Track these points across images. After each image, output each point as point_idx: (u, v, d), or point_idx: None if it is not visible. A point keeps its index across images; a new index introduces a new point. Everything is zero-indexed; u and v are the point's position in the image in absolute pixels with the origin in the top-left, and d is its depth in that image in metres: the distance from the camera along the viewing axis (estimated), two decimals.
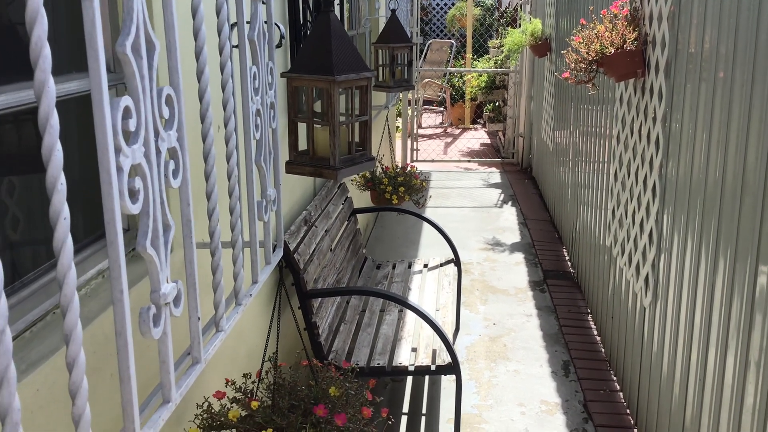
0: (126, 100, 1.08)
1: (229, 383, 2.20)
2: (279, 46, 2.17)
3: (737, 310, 2.26)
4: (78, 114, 1.75)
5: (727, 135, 2.37)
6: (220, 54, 1.60)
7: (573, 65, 3.57)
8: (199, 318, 1.39)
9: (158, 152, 1.20)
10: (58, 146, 0.90)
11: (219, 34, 1.59)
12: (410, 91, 7.97)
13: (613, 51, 3.37)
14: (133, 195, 1.11)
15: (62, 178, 0.91)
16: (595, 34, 3.48)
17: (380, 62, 4.50)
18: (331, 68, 2.14)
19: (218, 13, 1.58)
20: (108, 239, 1.07)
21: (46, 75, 0.88)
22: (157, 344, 1.26)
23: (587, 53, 3.47)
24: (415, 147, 9.35)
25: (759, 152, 2.11)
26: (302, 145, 2.31)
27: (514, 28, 8.81)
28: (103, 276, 1.79)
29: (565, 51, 3.79)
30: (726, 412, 2.33)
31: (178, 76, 1.31)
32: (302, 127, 2.28)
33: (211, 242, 1.52)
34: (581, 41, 3.53)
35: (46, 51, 0.88)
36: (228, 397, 2.15)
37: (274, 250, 2.02)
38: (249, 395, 2.16)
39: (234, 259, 1.67)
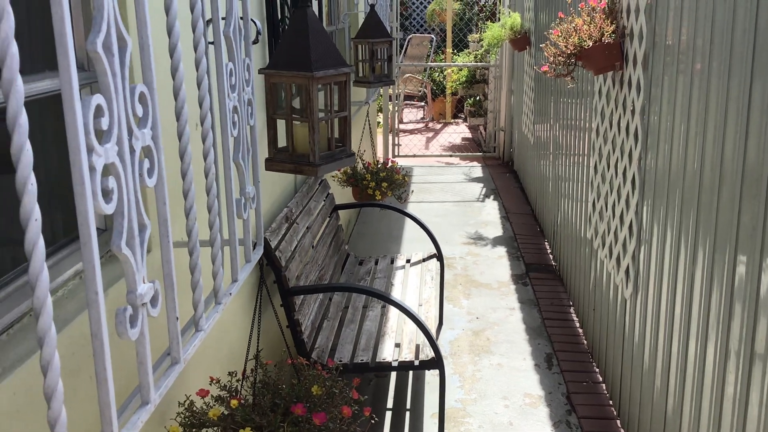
0: (98, 99, 1.07)
1: (214, 381, 2.19)
2: (255, 42, 2.15)
3: (717, 300, 2.27)
4: (56, 112, 1.72)
5: (704, 127, 2.38)
6: (195, 51, 1.58)
7: (552, 59, 3.58)
8: (177, 318, 1.38)
9: (132, 151, 1.19)
10: (28, 146, 0.89)
11: (194, 31, 1.57)
12: (391, 87, 7.95)
13: (591, 44, 3.38)
14: (106, 195, 1.09)
15: (32, 179, 0.90)
16: (573, 27, 3.49)
17: (360, 57, 4.49)
18: (309, 64, 2.13)
19: (192, 8, 1.56)
20: (81, 240, 1.05)
21: (14, 74, 0.87)
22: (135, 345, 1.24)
23: (566, 47, 3.47)
24: (396, 142, 9.35)
25: (736, 143, 2.12)
26: (281, 141, 2.30)
27: (493, 22, 8.82)
28: (80, 277, 1.77)
29: (543, 45, 3.79)
30: (707, 401, 2.35)
31: (151, 74, 1.29)
32: (281, 124, 2.27)
33: (189, 241, 1.51)
34: (559, 35, 3.54)
35: (14, 49, 0.86)
36: (212, 395, 2.13)
37: (254, 248, 2.01)
38: (233, 393, 2.15)
39: (213, 258, 1.66)
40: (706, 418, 2.34)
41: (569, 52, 3.46)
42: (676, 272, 2.67)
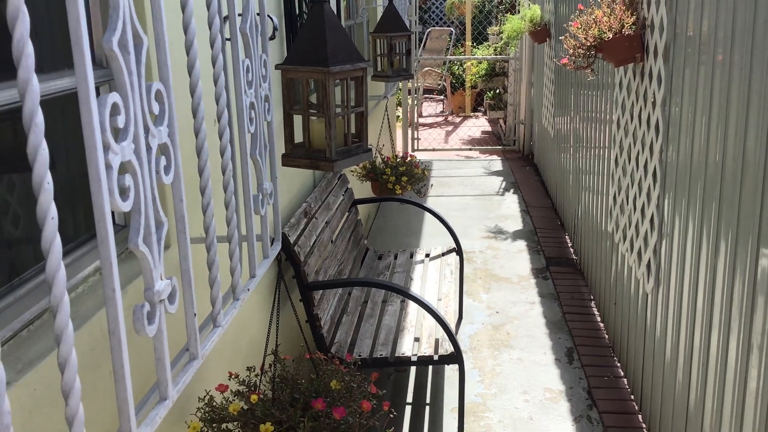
0: (114, 97, 1.07)
1: (233, 376, 2.20)
2: (272, 38, 2.15)
3: (739, 293, 2.24)
4: (75, 110, 1.74)
5: (726, 118, 2.35)
6: (212, 47, 1.58)
7: (572, 51, 3.55)
8: (195, 314, 1.38)
9: (149, 148, 1.19)
10: (44, 145, 0.89)
11: (210, 27, 1.58)
12: (410, 80, 7.94)
13: (611, 36, 3.35)
14: (123, 192, 1.10)
15: (48, 177, 0.90)
16: (593, 19, 3.46)
17: (378, 52, 4.48)
18: (326, 59, 2.12)
19: (208, 5, 1.56)
20: (99, 238, 1.06)
21: (30, 73, 0.87)
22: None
23: (585, 39, 3.44)
24: (415, 136, 9.33)
25: (759, 135, 2.09)
26: (298, 137, 2.30)
27: (513, 14, 8.77)
28: (100, 273, 1.78)
29: (563, 37, 3.76)
30: (729, 396, 2.32)
31: (167, 71, 1.30)
32: (298, 120, 2.27)
33: (207, 237, 1.51)
34: (579, 26, 3.50)
35: (29, 49, 0.87)
36: (231, 390, 2.15)
37: (272, 244, 2.01)
38: (252, 388, 2.16)
39: (230, 254, 1.66)
40: (729, 414, 2.32)
41: (589, 44, 3.43)
42: (698, 266, 2.64)
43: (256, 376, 2.25)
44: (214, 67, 1.60)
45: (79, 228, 1.81)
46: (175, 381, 1.32)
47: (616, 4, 3.44)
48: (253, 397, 2.02)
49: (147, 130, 1.19)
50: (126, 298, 1.74)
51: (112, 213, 1.24)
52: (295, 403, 2.07)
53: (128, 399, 1.11)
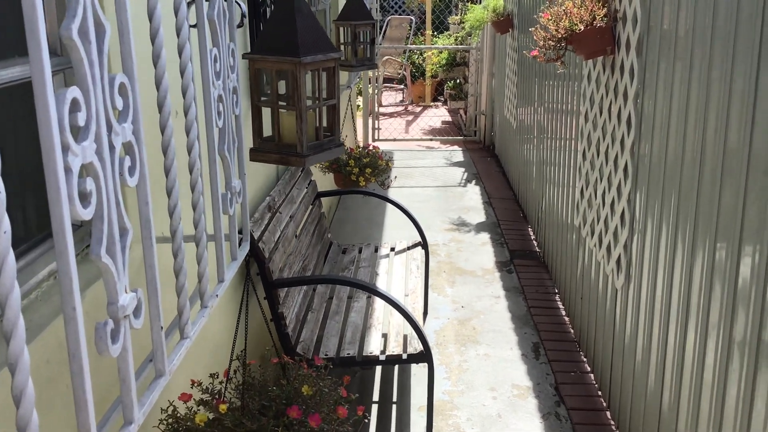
0: (73, 92, 0.95)
1: (195, 384, 2.08)
2: (240, 25, 2.03)
3: (719, 293, 2.20)
4: (25, 98, 1.60)
5: (705, 115, 2.30)
6: (178, 36, 1.47)
7: (542, 43, 3.48)
8: (162, 327, 1.27)
9: (112, 148, 1.08)
10: None
11: (176, 14, 1.45)
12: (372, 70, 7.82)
13: (582, 28, 3.29)
14: (84, 198, 0.98)
15: (1, 186, 0.79)
16: (564, 10, 3.40)
17: (342, 40, 4.36)
18: (297, 49, 2.01)
19: None
20: (57, 249, 0.94)
21: None
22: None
23: (556, 30, 3.38)
24: (376, 126, 9.23)
25: (741, 133, 2.04)
26: (267, 130, 2.18)
27: (474, 3, 8.70)
28: (54, 278, 1.65)
29: (533, 28, 3.70)
30: (707, 399, 2.28)
31: (132, 62, 1.18)
32: (266, 112, 2.16)
33: (173, 242, 1.40)
34: (550, 18, 3.44)
35: None
36: (194, 399, 2.03)
37: (240, 245, 1.90)
38: (217, 396, 2.05)
39: (198, 259, 1.55)
40: (706, 417, 2.28)
41: (560, 36, 3.37)
42: (672, 264, 2.60)
43: (221, 383, 2.13)
44: (180, 57, 1.48)
45: (30, 227, 1.68)
46: (141, 401, 1.21)
47: None
48: (222, 407, 1.90)
49: (110, 127, 1.07)
50: (84, 304, 1.61)
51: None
52: (266, 411, 1.97)
53: (91, 427, 1.00)
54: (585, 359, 3.95)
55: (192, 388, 2.09)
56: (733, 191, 2.10)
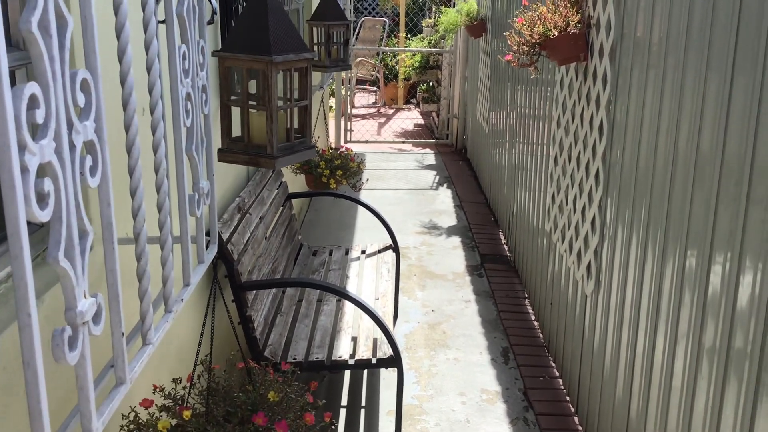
0: (32, 87, 0.91)
1: (158, 389, 2.03)
2: (211, 22, 1.99)
3: (688, 303, 2.21)
4: None
5: (678, 123, 2.31)
6: (145, 31, 1.42)
7: (516, 48, 3.48)
8: (123, 333, 1.23)
9: (72, 147, 1.03)
10: None
11: (143, 9, 1.41)
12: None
13: (556, 34, 3.29)
14: (41, 199, 0.94)
15: None
16: (538, 15, 3.40)
17: (315, 41, 4.32)
18: (269, 48, 1.97)
19: None
20: (12, 253, 0.90)
21: None
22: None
23: (530, 36, 3.38)
24: (348, 128, 9.19)
25: (713, 142, 2.05)
26: (236, 130, 2.14)
27: (448, 7, 8.71)
28: (12, 280, 1.59)
29: (507, 33, 3.69)
30: (675, 407, 2.29)
31: (95, 57, 1.13)
32: (236, 111, 2.11)
33: (137, 246, 1.35)
34: (524, 23, 3.44)
35: None
36: (156, 405, 1.98)
37: (207, 247, 1.85)
38: (180, 402, 2.00)
39: (163, 262, 1.50)
40: (674, 424, 2.29)
41: (534, 41, 3.37)
42: (642, 271, 2.60)
43: (184, 388, 2.08)
44: (147, 53, 1.43)
45: None
46: (100, 410, 1.16)
47: (561, 1, 3.39)
48: (186, 413, 1.85)
49: (71, 125, 1.03)
50: (42, 308, 1.56)
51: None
52: (231, 417, 1.92)
53: None
54: (554, 364, 3.96)
55: (154, 393, 2.03)
56: (704, 199, 2.10)
